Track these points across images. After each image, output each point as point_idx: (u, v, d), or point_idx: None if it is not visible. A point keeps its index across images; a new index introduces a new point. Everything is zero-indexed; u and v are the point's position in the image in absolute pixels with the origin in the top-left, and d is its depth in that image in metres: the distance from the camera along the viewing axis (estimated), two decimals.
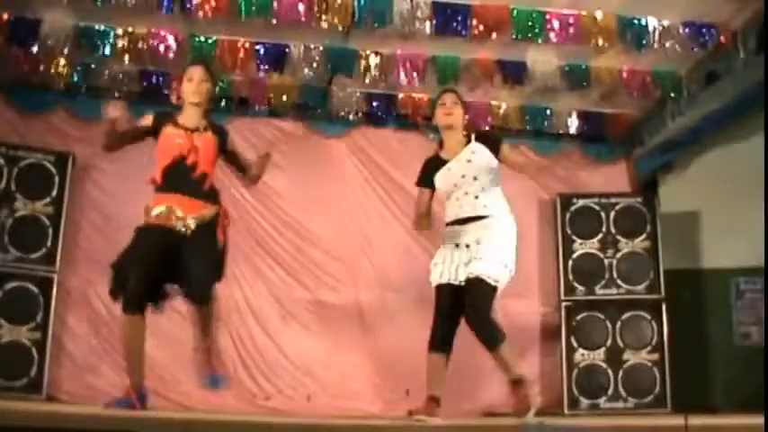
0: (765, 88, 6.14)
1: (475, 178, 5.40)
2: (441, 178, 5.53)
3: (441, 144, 5.71)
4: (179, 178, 5.21)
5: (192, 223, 5.12)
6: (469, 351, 7.00)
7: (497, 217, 5.39)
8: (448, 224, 5.53)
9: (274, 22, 6.55)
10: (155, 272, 5.09)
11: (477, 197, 5.40)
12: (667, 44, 6.72)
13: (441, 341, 5.45)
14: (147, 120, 5.46)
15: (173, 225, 5.11)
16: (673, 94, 7.41)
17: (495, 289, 5.25)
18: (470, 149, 5.49)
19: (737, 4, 6.34)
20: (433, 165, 5.62)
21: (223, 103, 7.73)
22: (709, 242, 7.92)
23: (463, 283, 5.28)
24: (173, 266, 5.10)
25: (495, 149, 5.48)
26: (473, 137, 5.57)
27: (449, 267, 5.40)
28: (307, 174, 7.91)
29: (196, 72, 5.42)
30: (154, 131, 5.39)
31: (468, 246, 5.34)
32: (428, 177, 5.64)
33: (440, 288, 5.44)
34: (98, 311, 7.36)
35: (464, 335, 7.32)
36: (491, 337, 5.24)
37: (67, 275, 7.29)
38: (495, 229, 5.33)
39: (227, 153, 5.53)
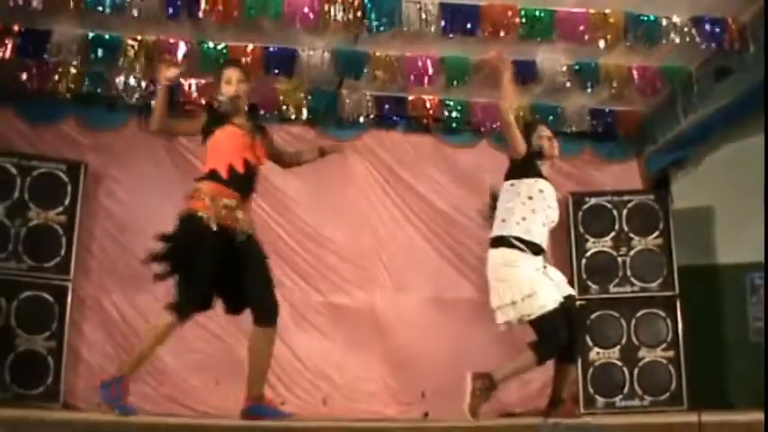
0: (766, 88, 6.14)
1: (548, 207, 5.58)
2: (549, 191, 5.61)
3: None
4: (242, 180, 5.21)
5: (247, 232, 5.17)
6: (489, 354, 7.06)
7: None
8: (531, 243, 5.51)
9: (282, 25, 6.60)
10: (210, 278, 5.05)
11: (543, 227, 5.58)
12: (677, 40, 6.71)
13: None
14: (201, 116, 5.41)
15: (233, 228, 5.10)
16: (683, 91, 7.39)
17: None
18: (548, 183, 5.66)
19: None
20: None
21: None
22: (722, 238, 7.90)
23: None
24: (226, 275, 5.09)
25: None
26: None
27: (553, 288, 5.48)
28: (319, 178, 7.90)
29: (234, 73, 5.39)
30: (205, 131, 5.33)
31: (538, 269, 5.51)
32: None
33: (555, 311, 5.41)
34: (113, 318, 7.39)
35: (483, 340, 7.37)
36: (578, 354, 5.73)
37: (82, 284, 7.30)
38: None
39: (272, 152, 5.63)
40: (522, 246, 5.46)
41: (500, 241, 5.57)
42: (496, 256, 5.56)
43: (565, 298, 5.45)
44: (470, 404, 5.38)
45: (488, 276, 5.63)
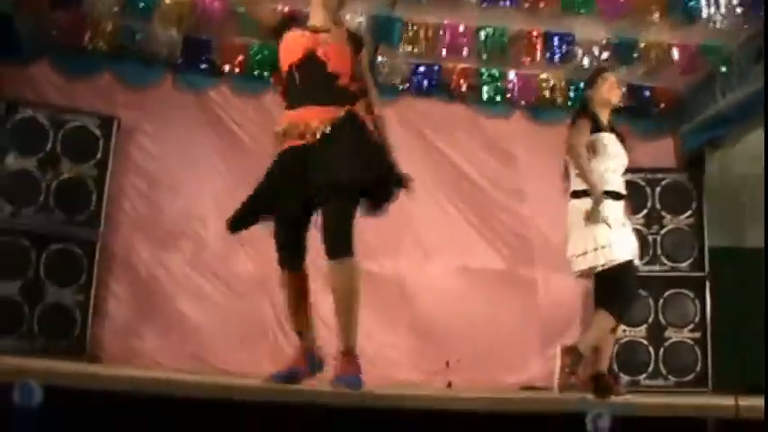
0: (766, 87, 6.06)
1: (616, 155, 5.52)
2: (609, 140, 5.51)
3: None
4: (306, 83, 4.39)
5: (319, 130, 4.31)
6: (516, 326, 7.05)
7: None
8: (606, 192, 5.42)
9: None
10: (293, 213, 4.40)
11: (621, 177, 5.55)
12: (718, 18, 6.62)
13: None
14: (274, 20, 4.75)
15: (300, 140, 4.34)
16: (723, 70, 7.30)
17: None
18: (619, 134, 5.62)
19: None
20: (594, 119, 5.57)
21: (266, 73, 7.69)
22: (754, 220, 7.81)
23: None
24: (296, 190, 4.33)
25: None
26: None
27: (632, 244, 5.42)
28: None
29: None
30: (277, 33, 4.62)
31: (624, 224, 5.44)
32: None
33: (630, 265, 5.37)
34: (140, 275, 7.42)
35: (510, 311, 7.33)
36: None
37: (111, 239, 7.33)
38: None
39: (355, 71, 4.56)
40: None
41: (576, 195, 5.47)
42: (575, 206, 5.47)
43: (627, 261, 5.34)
44: (559, 381, 5.25)
45: (567, 228, 5.56)
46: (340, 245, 4.33)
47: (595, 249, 5.27)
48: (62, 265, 6.92)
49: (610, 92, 5.58)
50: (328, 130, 4.29)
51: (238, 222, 4.45)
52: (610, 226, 5.24)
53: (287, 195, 4.34)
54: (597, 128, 5.49)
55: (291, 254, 4.52)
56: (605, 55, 7.29)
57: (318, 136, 4.29)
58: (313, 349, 4.79)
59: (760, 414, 3.67)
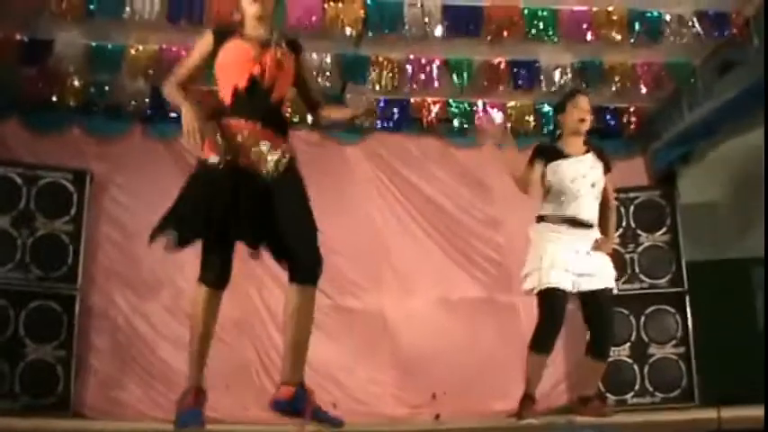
0: (766, 87, 6.12)
1: (593, 185, 5.47)
2: (566, 167, 5.48)
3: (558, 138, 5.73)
4: (255, 103, 4.17)
5: (272, 162, 4.13)
6: (499, 354, 7.06)
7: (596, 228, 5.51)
8: (559, 220, 5.45)
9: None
10: (228, 228, 4.04)
11: (591, 204, 5.48)
12: (680, 35, 6.71)
13: (552, 344, 5.46)
14: (207, 40, 4.31)
15: (254, 167, 4.11)
16: (688, 86, 7.39)
17: None
18: (594, 157, 5.57)
19: None
20: (552, 150, 5.60)
21: None
22: (730, 232, 7.87)
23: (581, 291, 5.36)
24: (257, 224, 4.06)
25: (605, 168, 5.63)
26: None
27: (565, 273, 5.33)
28: (325, 181, 7.87)
29: None
30: (215, 53, 4.28)
31: (577, 252, 5.37)
32: (543, 156, 5.59)
33: (554, 293, 5.32)
34: (120, 326, 7.39)
35: (493, 339, 7.38)
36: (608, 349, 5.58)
37: (89, 292, 7.30)
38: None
39: (300, 78, 4.46)
40: (553, 221, 5.44)
41: (538, 219, 5.54)
42: (534, 229, 5.55)
43: (594, 291, 5.35)
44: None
45: None
46: (319, 269, 4.21)
47: (537, 270, 5.34)
48: (42, 321, 6.87)
49: (578, 117, 5.58)
50: (282, 167, 4.18)
51: (187, 239, 4.06)
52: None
53: (242, 221, 4.04)
54: (557, 155, 5.52)
55: (225, 270, 4.21)
56: (570, 79, 7.35)
57: (274, 174, 4.15)
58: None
59: (743, 424, 3.68)
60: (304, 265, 4.17)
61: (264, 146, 4.14)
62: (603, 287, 5.39)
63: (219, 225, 3.99)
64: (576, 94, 5.74)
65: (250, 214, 4.03)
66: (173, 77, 4.30)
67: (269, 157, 4.14)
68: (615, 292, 5.54)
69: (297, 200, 4.21)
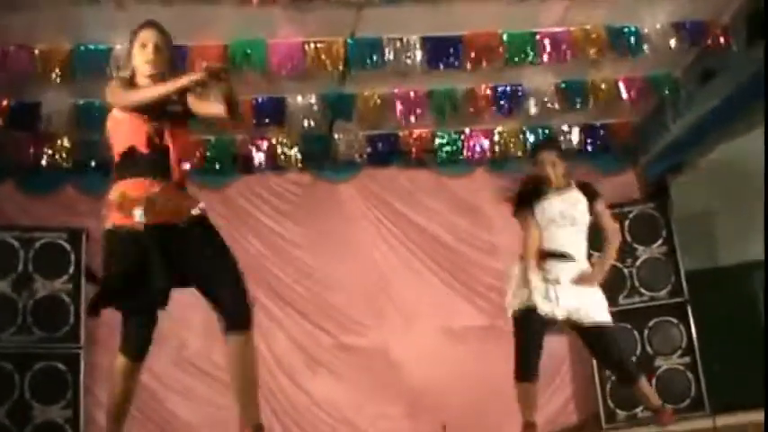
0: (766, 87, 6.16)
1: (575, 219, 5.46)
2: (548, 206, 5.49)
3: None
4: (147, 159, 4.02)
5: (184, 219, 4.04)
6: (506, 380, 7.05)
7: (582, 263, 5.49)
8: (545, 255, 5.46)
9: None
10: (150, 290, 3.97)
11: (575, 237, 5.48)
12: (659, 47, 6.76)
13: (533, 370, 5.43)
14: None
15: (163, 221, 3.99)
16: (671, 97, 7.44)
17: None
18: (576, 193, 5.56)
19: None
20: (533, 192, 5.60)
21: (219, 165, 7.84)
22: (727, 238, 7.89)
23: (560, 317, 5.33)
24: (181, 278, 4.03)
25: (591, 200, 5.57)
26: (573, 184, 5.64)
27: (544, 300, 5.32)
28: (319, 221, 7.94)
29: (151, 36, 4.16)
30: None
31: (559, 283, 5.34)
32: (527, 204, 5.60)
33: (531, 316, 5.32)
34: None
35: (499, 366, 7.39)
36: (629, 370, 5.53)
37: (93, 350, 7.28)
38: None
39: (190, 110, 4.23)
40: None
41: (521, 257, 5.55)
42: (515, 268, 5.57)
43: (591, 327, 5.35)
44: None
45: None
46: (247, 313, 4.07)
47: (517, 296, 5.41)
48: (47, 382, 6.87)
49: (548, 171, 5.55)
50: (194, 214, 4.09)
51: (101, 303, 4.03)
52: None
53: (159, 282, 3.95)
54: (539, 193, 5.53)
55: (147, 341, 4.21)
56: (555, 100, 7.40)
57: (184, 222, 4.04)
58: None
59: (739, 429, 3.68)
60: (230, 312, 4.05)
61: (165, 199, 4.00)
62: (604, 323, 5.37)
63: (135, 293, 3.96)
64: (538, 150, 5.78)
65: (163, 271, 3.93)
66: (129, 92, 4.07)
67: (175, 210, 4.03)
68: (609, 322, 5.44)
69: (211, 247, 4.13)
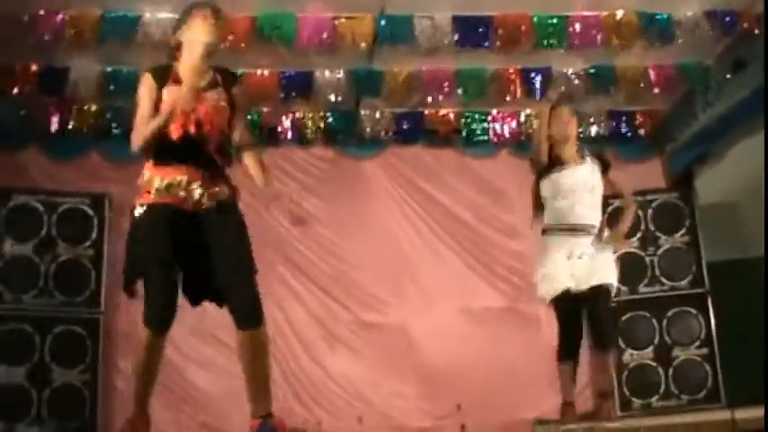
0: (766, 86, 6.11)
1: (591, 190, 5.54)
2: (561, 177, 5.54)
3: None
4: (185, 150, 4.15)
5: (209, 205, 4.15)
6: (523, 362, 7.05)
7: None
8: (558, 228, 5.54)
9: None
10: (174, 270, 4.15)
11: (591, 209, 5.52)
12: (691, 36, 6.71)
13: (573, 350, 5.53)
14: (149, 83, 4.28)
15: (188, 206, 4.13)
16: (701, 86, 7.38)
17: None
18: (590, 162, 5.63)
19: None
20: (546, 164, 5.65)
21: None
22: (750, 230, 7.82)
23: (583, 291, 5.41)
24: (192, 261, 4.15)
25: (604, 170, 5.66)
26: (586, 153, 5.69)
27: (570, 278, 5.42)
28: (342, 197, 7.94)
29: (210, 13, 4.21)
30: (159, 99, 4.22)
31: (579, 257, 5.42)
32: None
33: (565, 297, 5.43)
34: None
35: (516, 348, 7.38)
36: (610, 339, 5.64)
37: (113, 316, 7.32)
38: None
39: (231, 114, 4.32)
40: (554, 231, 5.53)
41: (543, 231, 5.65)
42: (541, 242, 5.65)
43: (591, 287, 5.39)
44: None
45: None
46: (257, 312, 4.15)
47: (545, 279, 5.50)
48: (67, 346, 6.91)
49: (562, 127, 5.61)
50: (216, 203, 4.18)
51: (134, 278, 4.21)
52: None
53: (184, 256, 4.13)
54: (551, 166, 5.57)
55: (170, 315, 4.20)
56: (583, 84, 7.37)
57: (205, 206, 4.16)
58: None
59: (756, 422, 3.65)
60: (240, 311, 4.13)
61: (197, 186, 4.15)
62: (600, 284, 5.41)
63: (164, 261, 4.08)
64: (556, 106, 5.78)
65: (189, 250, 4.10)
66: (136, 132, 4.23)
67: (203, 196, 4.15)
68: (613, 290, 5.56)
69: (239, 244, 4.19)
